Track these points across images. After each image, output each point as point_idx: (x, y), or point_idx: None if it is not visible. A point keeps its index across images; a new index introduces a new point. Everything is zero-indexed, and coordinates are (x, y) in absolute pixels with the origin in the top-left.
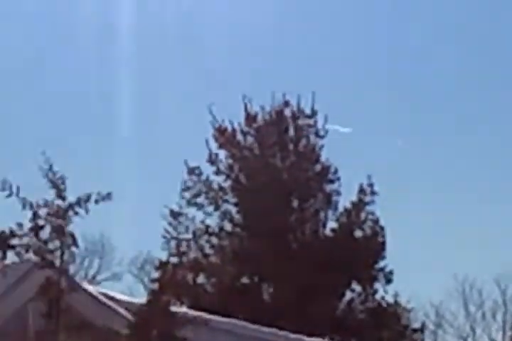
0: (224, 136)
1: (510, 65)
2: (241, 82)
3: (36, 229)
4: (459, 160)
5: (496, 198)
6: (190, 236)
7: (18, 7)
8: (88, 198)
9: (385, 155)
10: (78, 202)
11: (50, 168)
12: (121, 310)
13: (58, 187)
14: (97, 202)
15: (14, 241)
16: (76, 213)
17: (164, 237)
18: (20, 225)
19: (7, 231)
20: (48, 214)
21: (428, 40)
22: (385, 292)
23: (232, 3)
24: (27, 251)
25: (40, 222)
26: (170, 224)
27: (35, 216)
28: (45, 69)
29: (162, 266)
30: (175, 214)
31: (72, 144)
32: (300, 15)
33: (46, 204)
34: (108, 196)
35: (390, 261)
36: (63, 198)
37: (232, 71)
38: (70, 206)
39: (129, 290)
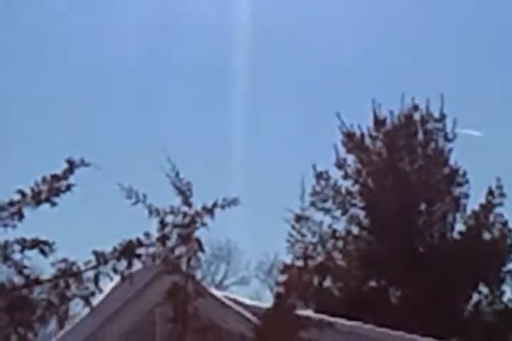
0: (352, 141)
1: None
2: (370, 86)
3: (164, 239)
4: None
5: None
6: (316, 240)
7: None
8: (215, 205)
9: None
10: (205, 209)
11: (177, 174)
12: (248, 314)
13: (185, 194)
14: (223, 207)
15: (141, 251)
16: (204, 224)
17: (288, 241)
18: (147, 234)
19: (135, 240)
20: (174, 225)
21: None
22: None
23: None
24: (154, 259)
25: (167, 230)
26: (293, 227)
27: (162, 223)
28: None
29: (287, 269)
30: (299, 218)
31: (186, 149)
32: (426, 15)
33: (173, 211)
34: (234, 201)
35: None
36: (190, 205)
37: (361, 75)
38: (197, 213)
39: (256, 295)
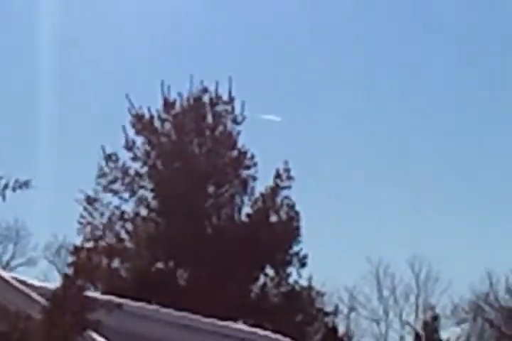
0: (141, 123)
1: None
2: (159, 68)
3: None
4: (375, 147)
5: (406, 185)
6: (105, 221)
7: None
8: (6, 186)
9: (303, 143)
10: None
11: None
12: (35, 296)
13: None
14: (14, 189)
15: None
16: None
17: (80, 223)
18: None
19: None
20: None
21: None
22: (299, 276)
23: None
24: None
25: None
26: (85, 209)
27: None
28: None
29: (76, 250)
30: (90, 200)
31: None
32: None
33: None
34: (26, 183)
35: (304, 245)
36: None
37: (150, 58)
38: None
39: (44, 276)
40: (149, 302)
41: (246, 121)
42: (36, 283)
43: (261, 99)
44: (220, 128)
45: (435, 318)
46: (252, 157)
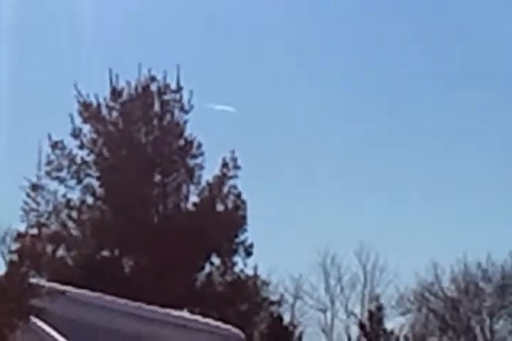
0: (88, 111)
1: None
2: (106, 56)
3: None
4: (322, 137)
5: (353, 175)
6: (50, 209)
7: None
8: None
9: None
10: None
11: None
12: None
13: None
14: None
15: None
16: None
17: (24, 210)
18: None
19: None
20: None
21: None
22: (245, 265)
23: None
24: None
25: None
26: (28, 196)
27: None
28: None
29: (20, 237)
30: (35, 187)
31: None
32: None
33: None
34: None
35: (251, 234)
36: None
37: (98, 46)
38: None
39: None
40: (95, 290)
41: (200, 111)
42: None
43: (218, 90)
44: (168, 116)
45: (379, 308)
46: (199, 146)
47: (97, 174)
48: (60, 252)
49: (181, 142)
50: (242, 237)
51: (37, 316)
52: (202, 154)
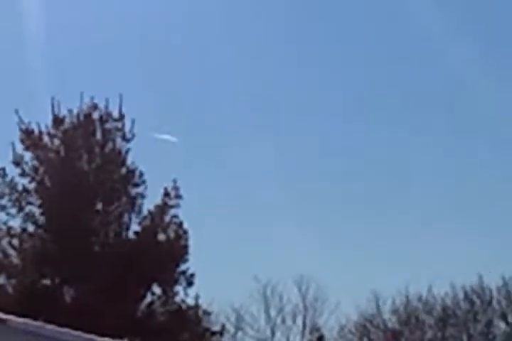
0: (30, 138)
1: None
2: (49, 83)
3: None
4: (264, 167)
5: (294, 204)
6: None
7: None
8: None
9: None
10: None
11: None
12: None
13: None
14: None
15: None
16: None
17: None
18: None
19: None
20: None
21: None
22: (186, 295)
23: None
24: None
25: None
26: None
27: None
28: None
29: None
30: None
31: None
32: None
33: None
34: None
35: (192, 264)
36: None
37: (40, 74)
38: None
39: None
40: (36, 319)
41: (142, 140)
42: None
43: (161, 119)
44: (110, 145)
45: (321, 339)
46: (141, 175)
47: (38, 202)
48: (1, 280)
49: (123, 171)
50: (183, 267)
51: None
52: (144, 183)
